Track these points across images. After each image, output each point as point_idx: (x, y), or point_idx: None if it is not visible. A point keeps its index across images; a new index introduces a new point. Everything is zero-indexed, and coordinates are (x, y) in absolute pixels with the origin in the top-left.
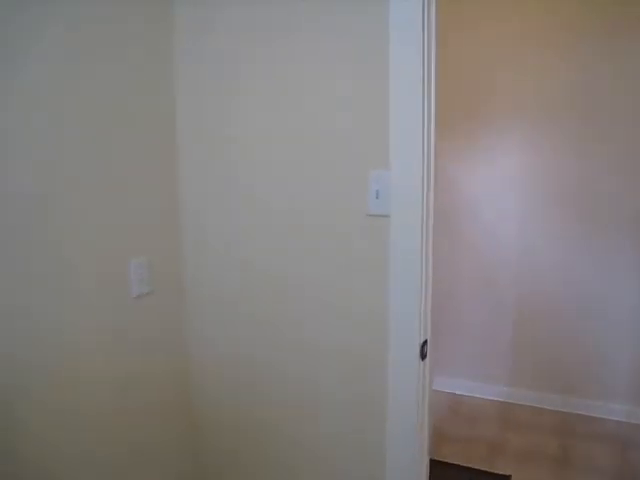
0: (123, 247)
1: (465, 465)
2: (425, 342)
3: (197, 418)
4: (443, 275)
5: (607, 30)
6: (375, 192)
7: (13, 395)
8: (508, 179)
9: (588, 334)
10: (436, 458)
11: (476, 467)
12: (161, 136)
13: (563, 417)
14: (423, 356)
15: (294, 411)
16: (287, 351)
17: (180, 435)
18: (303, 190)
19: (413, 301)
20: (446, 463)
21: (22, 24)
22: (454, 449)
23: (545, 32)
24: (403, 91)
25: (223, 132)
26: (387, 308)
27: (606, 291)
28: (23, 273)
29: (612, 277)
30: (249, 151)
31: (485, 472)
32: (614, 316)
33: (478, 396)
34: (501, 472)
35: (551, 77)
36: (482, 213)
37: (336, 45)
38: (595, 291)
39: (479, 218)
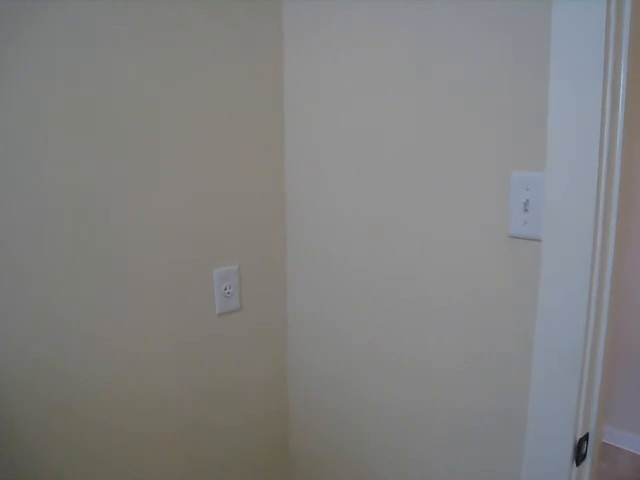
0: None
1: None
2: (586, 437)
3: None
4: None
5: None
6: (521, 204)
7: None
8: None
9: None
10: None
11: None
12: (270, 124)
13: None
14: (579, 459)
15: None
16: (390, 391)
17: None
18: (420, 191)
19: (570, 376)
20: None
21: None
22: None
23: None
24: (572, 57)
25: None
26: (528, 380)
27: None
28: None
29: None
30: (356, 148)
31: None
32: None
33: None
34: None
35: None
36: None
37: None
38: None
39: None
